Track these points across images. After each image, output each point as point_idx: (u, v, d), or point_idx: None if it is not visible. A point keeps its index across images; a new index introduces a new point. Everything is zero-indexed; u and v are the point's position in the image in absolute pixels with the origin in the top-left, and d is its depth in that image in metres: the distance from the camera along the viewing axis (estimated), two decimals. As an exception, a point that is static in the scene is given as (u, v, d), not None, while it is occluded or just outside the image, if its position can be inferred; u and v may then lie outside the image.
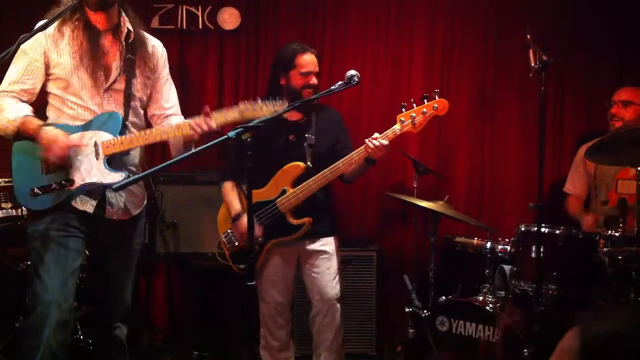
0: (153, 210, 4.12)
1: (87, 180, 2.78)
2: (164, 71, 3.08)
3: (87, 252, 2.96)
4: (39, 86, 2.85)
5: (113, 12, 2.88)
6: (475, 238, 4.03)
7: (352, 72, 3.07)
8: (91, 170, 2.79)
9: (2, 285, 3.76)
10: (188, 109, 3.18)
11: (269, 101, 2.88)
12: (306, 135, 3.52)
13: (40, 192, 2.75)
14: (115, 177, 2.78)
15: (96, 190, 2.84)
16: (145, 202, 3.10)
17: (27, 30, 2.63)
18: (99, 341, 3.23)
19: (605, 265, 3.37)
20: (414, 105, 3.34)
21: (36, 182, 2.76)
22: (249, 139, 2.50)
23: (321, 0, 4.68)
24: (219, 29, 4.65)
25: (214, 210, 3.69)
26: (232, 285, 4.40)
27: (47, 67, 2.83)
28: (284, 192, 3.45)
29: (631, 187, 3.56)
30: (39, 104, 2.94)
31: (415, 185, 4.19)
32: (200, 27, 4.63)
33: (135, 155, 2.98)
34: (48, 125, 2.75)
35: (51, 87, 2.87)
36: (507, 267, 3.80)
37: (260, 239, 3.45)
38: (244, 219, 3.39)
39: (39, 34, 2.74)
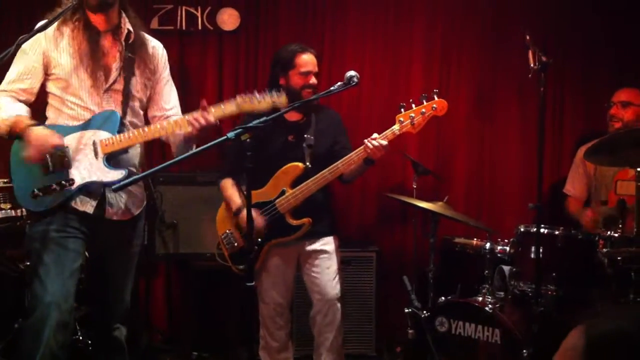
0: (152, 210, 4.12)
1: (87, 180, 2.78)
2: (165, 72, 3.09)
3: (86, 254, 2.95)
4: (37, 86, 2.85)
5: (113, 13, 2.88)
6: (475, 239, 4.03)
7: (352, 72, 3.08)
8: (91, 169, 2.79)
9: (2, 286, 3.75)
10: (188, 110, 3.15)
11: (267, 93, 2.88)
12: (305, 135, 3.52)
13: (40, 193, 2.75)
14: (115, 175, 2.79)
15: (96, 190, 2.84)
16: (145, 202, 3.10)
17: (28, 31, 2.64)
18: (99, 342, 3.22)
19: (604, 266, 3.37)
20: (413, 105, 3.34)
21: (36, 183, 2.76)
22: (248, 140, 2.51)
23: (320, 0, 4.68)
24: (219, 30, 4.65)
25: (213, 211, 3.69)
26: (232, 286, 4.40)
27: (47, 67, 2.84)
28: (283, 192, 3.45)
29: (630, 188, 3.56)
30: (40, 104, 2.95)
31: (415, 186, 4.19)
32: (200, 27, 4.63)
33: (135, 156, 2.98)
34: (37, 125, 2.75)
35: (51, 87, 2.87)
36: (506, 268, 3.80)
37: (264, 230, 3.45)
38: (244, 212, 3.38)
39: (39, 34, 2.75)
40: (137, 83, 2.95)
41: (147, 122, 3.07)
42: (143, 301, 4.60)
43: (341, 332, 3.60)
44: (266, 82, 3.66)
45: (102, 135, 2.81)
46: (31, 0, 4.27)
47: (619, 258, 3.33)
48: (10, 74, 2.84)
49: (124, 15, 2.93)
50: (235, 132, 2.50)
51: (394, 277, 4.25)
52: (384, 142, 3.29)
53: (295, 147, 3.52)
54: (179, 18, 4.61)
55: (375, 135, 3.32)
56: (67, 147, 2.79)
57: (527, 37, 3.44)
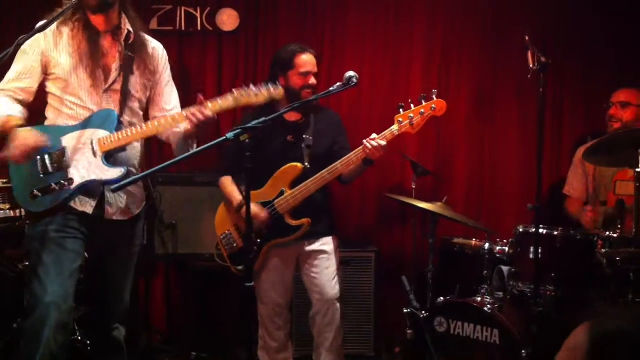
0: (151, 211, 4.12)
1: (87, 178, 2.78)
2: (165, 73, 3.09)
3: (85, 254, 2.95)
4: (35, 86, 2.86)
5: (113, 14, 2.88)
6: (474, 239, 4.03)
7: (351, 73, 3.08)
8: (90, 168, 2.79)
9: (0, 286, 3.76)
10: (187, 110, 3.18)
11: (263, 86, 2.88)
12: (304, 136, 3.52)
13: (39, 193, 2.76)
14: (114, 173, 2.79)
15: (95, 190, 2.84)
16: (144, 203, 3.10)
17: (28, 31, 2.64)
18: (98, 342, 3.22)
19: (603, 266, 3.37)
20: (412, 105, 3.34)
21: (35, 184, 2.77)
22: (247, 140, 2.51)
23: (320, 1, 4.68)
24: (218, 30, 4.65)
25: (212, 211, 3.69)
26: (231, 286, 4.40)
27: (46, 67, 2.84)
28: (282, 193, 3.45)
29: (629, 188, 3.56)
30: (40, 104, 2.95)
31: (414, 186, 4.19)
32: (199, 28, 4.63)
33: (135, 156, 2.98)
34: (25, 126, 2.75)
35: (50, 87, 2.88)
36: (505, 268, 3.80)
37: (263, 230, 3.44)
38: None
39: (39, 34, 2.76)
40: (136, 83, 2.95)
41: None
42: (142, 301, 4.60)
43: (341, 332, 3.60)
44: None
45: (100, 134, 2.82)
46: (31, 0, 4.27)
47: (617, 258, 3.32)
48: (10, 74, 2.85)
49: (124, 15, 2.93)
50: (234, 132, 2.50)
51: (393, 278, 4.24)
52: (383, 143, 3.29)
53: (294, 147, 3.52)
54: (178, 18, 4.61)
55: (374, 135, 3.32)
56: (65, 147, 2.80)
57: (526, 38, 3.44)
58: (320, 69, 3.65)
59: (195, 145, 3.02)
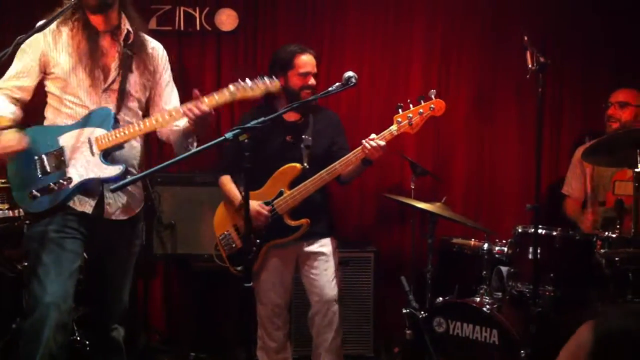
0: (150, 211, 4.12)
1: (85, 177, 2.78)
2: (165, 74, 3.08)
3: (85, 254, 2.95)
4: (32, 85, 2.86)
5: (112, 14, 2.88)
6: (473, 239, 4.03)
7: (350, 73, 3.08)
8: (88, 166, 2.79)
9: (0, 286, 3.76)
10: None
11: (259, 80, 2.87)
12: (303, 136, 3.52)
13: (38, 193, 2.75)
14: (112, 171, 2.78)
15: (94, 189, 2.84)
16: (143, 203, 3.10)
17: (27, 30, 2.64)
18: (97, 342, 3.21)
19: (602, 266, 3.37)
20: (411, 106, 3.34)
21: (34, 184, 2.77)
22: (246, 140, 2.50)
23: (319, 1, 4.68)
24: (217, 30, 4.65)
25: (211, 212, 3.69)
26: (230, 287, 4.39)
27: (45, 66, 2.84)
28: (281, 193, 3.45)
29: (628, 188, 3.56)
30: (39, 104, 2.95)
31: (413, 187, 4.19)
32: (198, 28, 4.63)
33: (135, 156, 2.98)
34: (10, 128, 2.74)
35: (50, 87, 2.88)
36: (504, 269, 3.80)
37: (263, 230, 3.44)
38: (250, 204, 3.37)
39: (39, 34, 2.76)
40: (135, 83, 2.94)
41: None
42: (141, 301, 4.59)
43: (340, 333, 3.60)
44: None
45: (97, 132, 2.81)
46: (31, 0, 4.27)
47: (616, 259, 3.33)
48: (9, 72, 2.85)
49: (123, 15, 2.92)
50: (233, 132, 2.50)
51: (391, 278, 4.24)
52: (382, 143, 3.29)
53: (293, 147, 3.52)
54: (177, 19, 4.61)
55: (373, 135, 3.32)
56: (62, 146, 2.80)
57: (525, 38, 3.45)
58: (320, 69, 3.65)
59: (195, 144, 3.02)
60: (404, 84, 4.68)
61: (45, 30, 2.77)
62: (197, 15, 4.62)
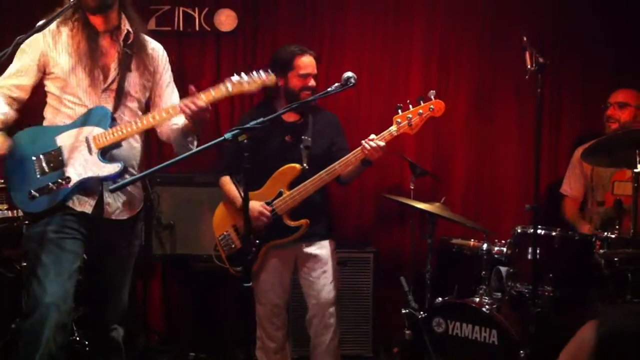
0: (149, 211, 4.12)
1: (84, 176, 2.78)
2: (165, 74, 3.08)
3: (84, 255, 2.94)
4: (30, 84, 2.86)
5: (112, 15, 2.88)
6: (472, 239, 4.03)
7: (349, 73, 3.07)
8: (86, 165, 2.79)
9: (-1, 286, 3.77)
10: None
11: (255, 74, 2.87)
12: (303, 137, 3.52)
13: (37, 194, 2.75)
14: (111, 169, 2.79)
15: (93, 188, 2.83)
16: (143, 203, 3.10)
17: (27, 30, 2.64)
18: (96, 343, 3.22)
19: (601, 267, 3.37)
20: (410, 106, 3.34)
21: (32, 185, 2.76)
22: (245, 141, 2.51)
23: (319, 1, 4.68)
24: (216, 31, 4.65)
25: (211, 212, 3.68)
26: (229, 287, 4.39)
27: (45, 66, 2.84)
28: (280, 194, 3.45)
29: (627, 188, 3.57)
30: (39, 103, 2.96)
31: (412, 187, 4.19)
32: (197, 28, 4.63)
33: (134, 156, 2.98)
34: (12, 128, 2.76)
35: (50, 87, 2.88)
36: (503, 269, 3.81)
37: (262, 230, 3.44)
38: (252, 204, 3.39)
39: (39, 33, 2.77)
40: (135, 83, 2.94)
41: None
42: (140, 302, 4.59)
43: (337, 334, 3.61)
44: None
45: (94, 130, 2.81)
46: (31, 0, 4.26)
47: (615, 259, 3.33)
48: (8, 70, 2.86)
49: (123, 15, 2.92)
50: (233, 132, 2.50)
51: (391, 278, 4.24)
52: (382, 143, 3.29)
53: (293, 148, 3.52)
54: (176, 19, 4.61)
55: (372, 136, 3.32)
56: (60, 146, 2.80)
57: (524, 39, 3.45)
58: (319, 70, 3.64)
59: (195, 144, 3.02)
60: (403, 84, 4.68)
61: (45, 31, 2.77)
62: (196, 15, 4.62)
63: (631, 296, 3.27)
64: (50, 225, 2.77)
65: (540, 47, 3.89)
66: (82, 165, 2.79)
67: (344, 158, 3.37)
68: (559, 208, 4.33)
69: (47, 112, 2.91)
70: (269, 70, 2.90)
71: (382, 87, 4.69)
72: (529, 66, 3.43)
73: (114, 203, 2.89)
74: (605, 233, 3.45)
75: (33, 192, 2.75)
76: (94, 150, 2.80)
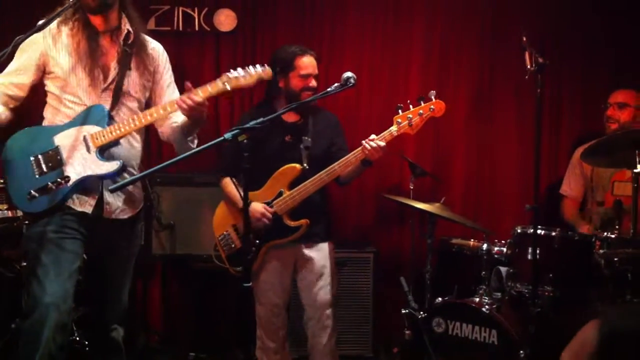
0: (149, 211, 4.12)
1: (83, 174, 2.78)
2: (166, 74, 3.08)
3: (84, 255, 2.94)
4: (28, 82, 2.86)
5: (112, 15, 2.88)
6: (472, 240, 4.03)
7: (349, 74, 3.07)
8: (85, 164, 2.79)
9: (-1, 286, 3.77)
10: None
11: (252, 68, 2.86)
12: (303, 137, 3.52)
13: (36, 194, 2.75)
14: (109, 167, 2.79)
15: (93, 187, 2.83)
16: (143, 203, 3.10)
17: (26, 30, 2.64)
18: (96, 343, 3.22)
19: (601, 267, 3.37)
20: (411, 106, 3.34)
21: (31, 185, 2.76)
22: (245, 141, 2.50)
23: (318, 1, 4.68)
24: (216, 31, 4.64)
25: (211, 212, 3.69)
26: (228, 287, 4.39)
27: (44, 66, 2.85)
28: (280, 194, 3.45)
29: (627, 189, 3.57)
30: (39, 103, 2.95)
31: (412, 187, 4.19)
32: (197, 28, 4.63)
33: (135, 156, 2.98)
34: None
35: (49, 86, 2.88)
36: (503, 269, 3.81)
37: (262, 230, 3.44)
38: (254, 205, 3.39)
39: (38, 33, 2.77)
40: (135, 83, 2.94)
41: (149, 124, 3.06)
42: (140, 302, 4.59)
43: (334, 334, 3.61)
44: (264, 83, 3.65)
45: (92, 129, 2.81)
46: (31, 0, 4.26)
47: (615, 259, 3.33)
48: (7, 69, 2.86)
49: (123, 15, 2.92)
50: (233, 132, 2.50)
51: (391, 278, 4.24)
52: (382, 144, 3.29)
53: (293, 148, 3.51)
54: (175, 19, 4.61)
55: (372, 136, 3.32)
56: (58, 145, 2.80)
57: (524, 39, 3.45)
58: (319, 70, 3.64)
59: (195, 143, 3.02)
60: (403, 84, 4.68)
61: (45, 30, 2.78)
62: (195, 15, 4.62)
63: (631, 296, 3.27)
64: (50, 225, 2.77)
65: (540, 47, 3.90)
66: (80, 164, 2.79)
67: (344, 158, 3.37)
68: (558, 208, 4.33)
69: (47, 112, 2.91)
70: (265, 65, 2.89)
71: (382, 87, 4.69)
72: (528, 66, 3.44)
73: (114, 203, 2.89)
74: (605, 233, 3.45)
75: (33, 192, 2.75)
76: (92, 148, 2.80)
